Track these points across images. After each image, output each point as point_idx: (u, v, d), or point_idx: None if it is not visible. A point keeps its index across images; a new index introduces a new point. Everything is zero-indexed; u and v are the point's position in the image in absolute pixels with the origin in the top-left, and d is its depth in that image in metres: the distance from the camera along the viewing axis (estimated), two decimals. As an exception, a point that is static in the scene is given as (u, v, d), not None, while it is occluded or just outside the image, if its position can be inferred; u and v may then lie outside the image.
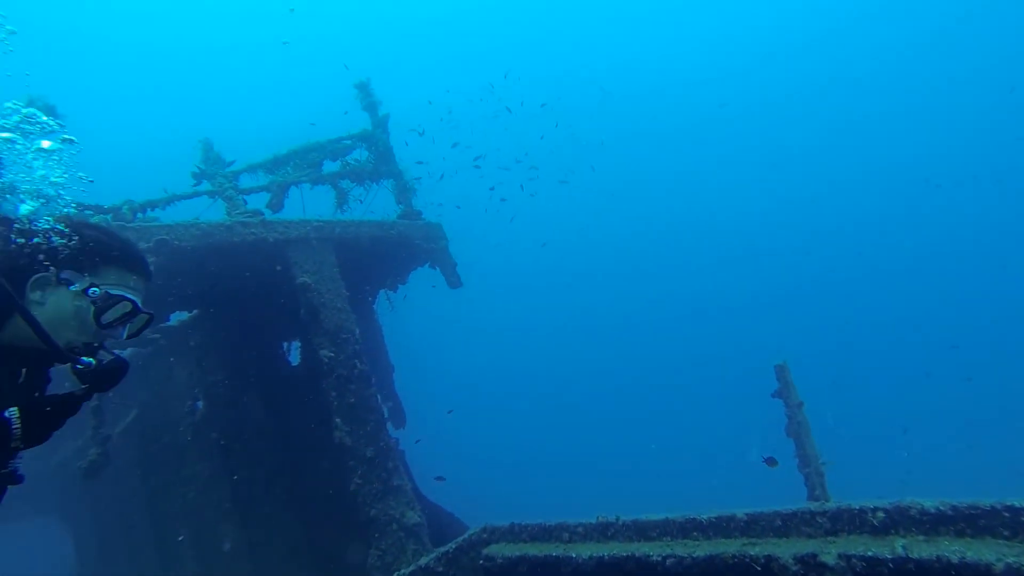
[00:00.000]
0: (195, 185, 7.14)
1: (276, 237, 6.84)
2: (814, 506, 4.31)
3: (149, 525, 10.29)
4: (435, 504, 9.41)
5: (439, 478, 9.67)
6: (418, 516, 7.19)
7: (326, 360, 6.99)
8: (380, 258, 8.42)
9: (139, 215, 6.42)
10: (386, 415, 9.85)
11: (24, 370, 2.26)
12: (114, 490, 11.36)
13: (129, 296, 2.34)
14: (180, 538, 9.48)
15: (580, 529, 5.33)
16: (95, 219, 5.77)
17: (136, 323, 2.44)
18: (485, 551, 5.83)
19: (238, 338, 8.57)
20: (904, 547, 3.94)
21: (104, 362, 2.26)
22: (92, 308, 2.24)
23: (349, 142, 8.29)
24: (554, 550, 5.36)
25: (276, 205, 7.41)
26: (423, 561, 5.45)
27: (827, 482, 6.43)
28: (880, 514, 4.08)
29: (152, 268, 2.63)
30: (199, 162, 7.37)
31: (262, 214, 6.89)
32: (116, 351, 2.40)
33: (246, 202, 7.04)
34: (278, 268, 7.01)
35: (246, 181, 7.52)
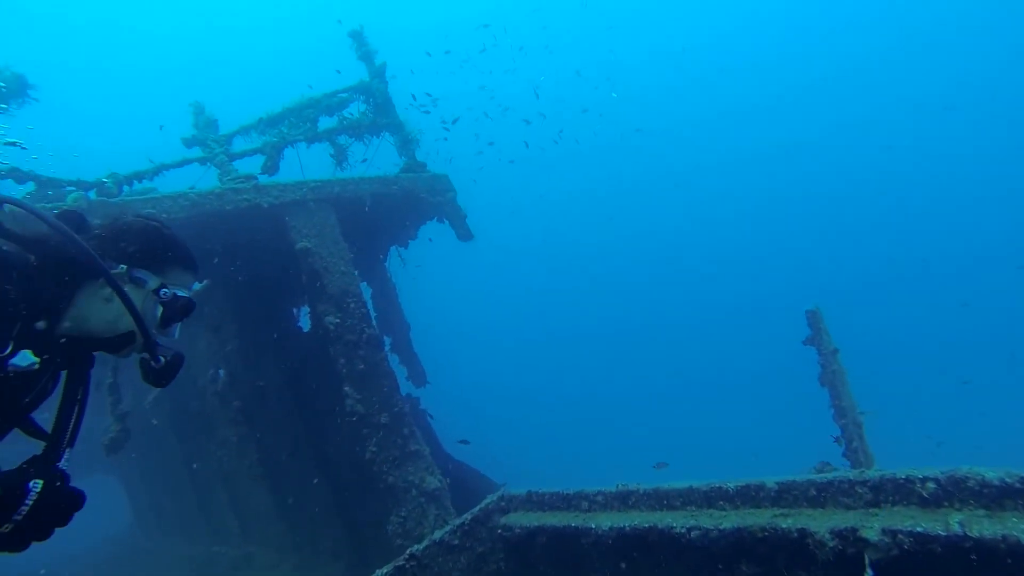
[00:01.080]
0: (187, 152, 6.70)
1: (271, 202, 6.40)
2: (853, 474, 3.83)
3: (190, 485, 10.37)
4: (463, 463, 9.21)
5: (463, 441, 9.40)
6: (438, 481, 6.93)
7: (332, 327, 6.64)
8: (385, 215, 7.95)
9: (125, 187, 6.02)
10: (405, 375, 9.60)
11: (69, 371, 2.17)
12: (156, 453, 11.50)
13: (191, 298, 2.36)
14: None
15: (600, 498, 4.96)
16: (74, 196, 5.40)
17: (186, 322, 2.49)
18: (503, 520, 5.52)
19: (250, 305, 8.28)
20: (961, 523, 3.45)
21: (169, 358, 2.24)
22: (161, 308, 2.24)
23: (346, 95, 7.70)
24: (573, 520, 5.02)
25: (271, 168, 6.94)
26: (438, 535, 5.15)
27: (867, 434, 5.93)
28: (931, 484, 3.58)
29: None
30: (192, 126, 6.91)
31: (255, 179, 6.43)
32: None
33: (236, 170, 6.56)
34: (277, 234, 6.61)
35: (239, 144, 7.04)
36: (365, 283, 9.40)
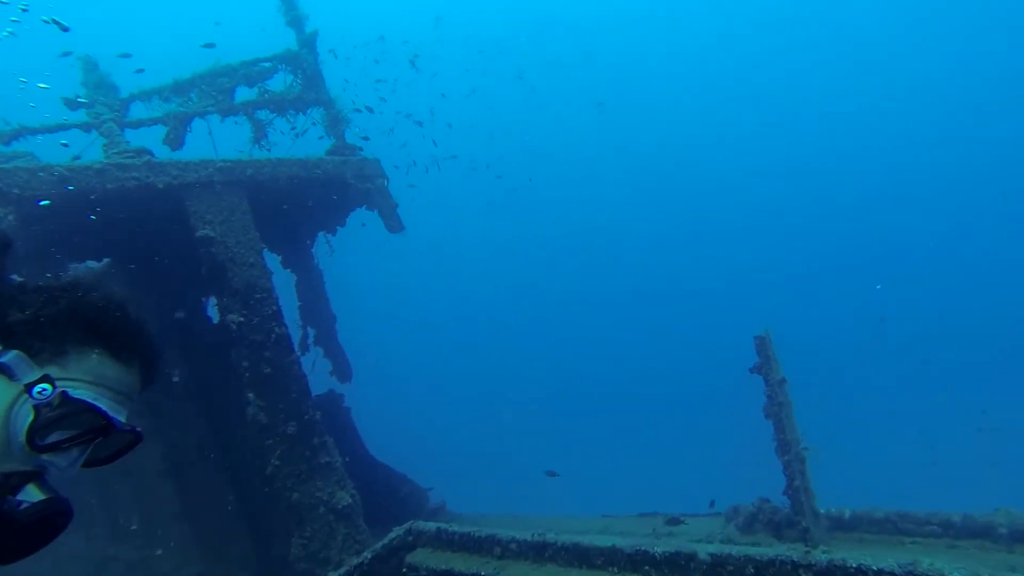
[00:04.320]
0: (71, 115, 5.67)
1: (167, 182, 5.45)
2: (797, 555, 3.27)
3: (88, 480, 9.39)
4: (388, 467, 8.49)
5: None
6: (350, 496, 6.20)
7: (234, 326, 5.78)
8: (310, 201, 7.07)
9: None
10: (329, 370, 8.80)
11: None
12: None
13: (98, 404, 1.34)
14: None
15: (514, 545, 4.30)
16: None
17: (109, 445, 1.45)
18: (409, 558, 4.84)
19: (151, 291, 7.33)
20: (915, 630, 2.93)
21: (31, 507, 1.24)
22: (31, 418, 1.26)
23: (269, 64, 6.72)
24: (483, 568, 4.36)
25: (174, 141, 5.97)
26: (330, 578, 4.47)
27: (809, 470, 5.44)
28: (885, 579, 3.05)
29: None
30: (79, 84, 5.88)
31: (149, 154, 5.48)
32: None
33: (128, 142, 5.59)
34: (176, 218, 5.69)
35: (138, 112, 6.05)
36: (289, 271, 8.52)
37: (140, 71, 6.81)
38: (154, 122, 6.02)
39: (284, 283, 8.50)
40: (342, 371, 8.69)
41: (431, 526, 4.83)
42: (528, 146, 46.31)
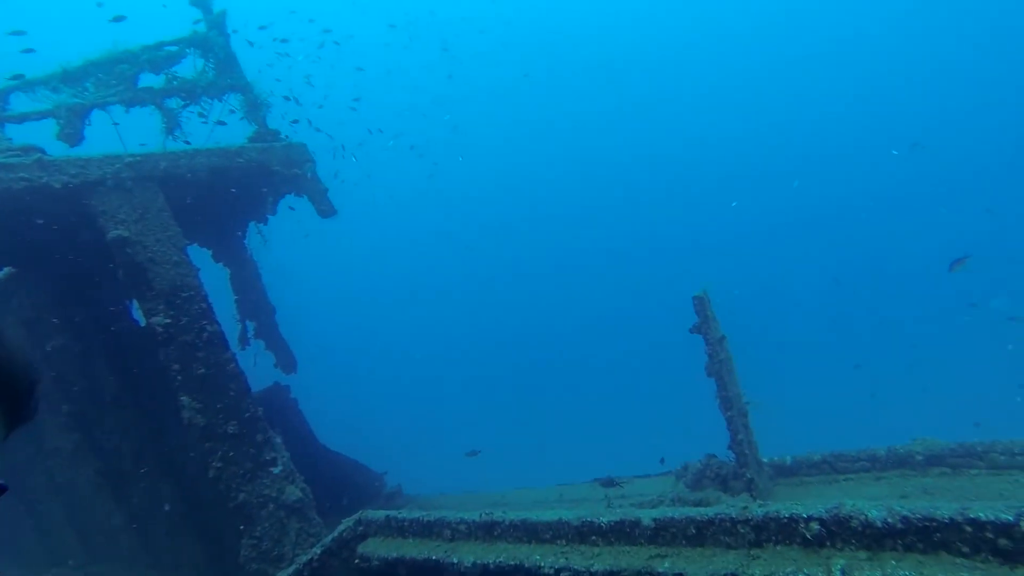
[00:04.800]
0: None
1: (66, 181, 5.10)
2: (735, 511, 3.33)
3: (18, 502, 8.93)
4: (341, 455, 8.36)
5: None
6: (300, 490, 6.06)
7: (160, 329, 5.51)
8: (231, 192, 6.76)
9: None
10: (273, 363, 8.56)
11: None
12: None
13: None
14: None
15: (463, 527, 4.28)
16: None
17: None
18: (360, 548, 4.77)
19: (70, 298, 6.93)
20: (843, 570, 3.04)
21: None
22: None
23: (175, 48, 6.33)
24: (435, 551, 4.33)
25: (71, 136, 5.55)
26: (280, 577, 4.37)
27: (753, 423, 5.58)
28: (814, 525, 3.13)
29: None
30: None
31: (39, 151, 5.10)
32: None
33: (9, 138, 5.18)
34: (82, 220, 5.34)
35: (20, 104, 5.60)
36: (222, 264, 8.19)
37: (29, 51, 6.30)
38: (41, 116, 5.58)
39: (219, 278, 8.19)
40: (286, 362, 8.47)
41: (380, 515, 4.77)
42: (452, 123, 45.52)
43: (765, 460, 5.80)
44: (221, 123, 7.02)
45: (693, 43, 49.64)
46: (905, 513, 2.78)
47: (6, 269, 6.57)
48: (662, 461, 7.50)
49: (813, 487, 5.41)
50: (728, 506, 3.33)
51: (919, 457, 5.00)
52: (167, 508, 7.15)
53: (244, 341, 8.16)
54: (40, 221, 5.16)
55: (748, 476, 5.33)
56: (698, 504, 5.47)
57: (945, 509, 2.71)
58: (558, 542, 3.80)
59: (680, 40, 49.74)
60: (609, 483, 6.19)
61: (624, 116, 51.35)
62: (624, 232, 47.92)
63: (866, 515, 2.88)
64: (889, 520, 2.82)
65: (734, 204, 39.34)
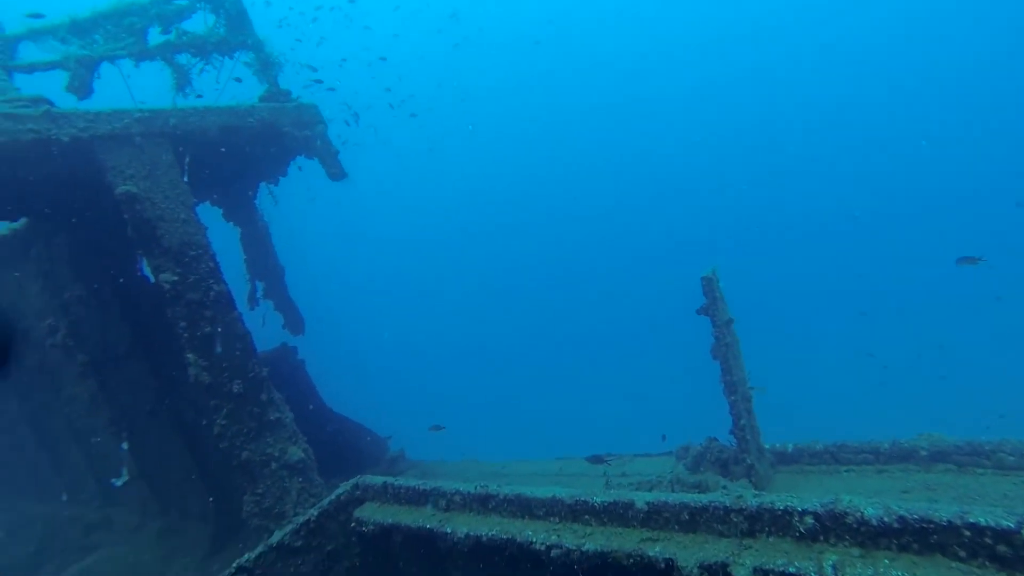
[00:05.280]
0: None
1: (75, 134, 5.04)
2: (730, 500, 3.28)
3: (39, 446, 9.16)
4: (345, 418, 8.43)
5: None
6: (302, 451, 6.12)
7: (168, 286, 5.51)
8: (246, 150, 6.69)
9: None
10: (281, 323, 8.60)
11: None
12: None
13: None
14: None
15: (458, 498, 4.29)
16: None
17: None
18: (357, 512, 4.81)
19: (84, 250, 6.96)
20: (834, 566, 2.99)
21: None
22: None
23: (185, 3, 6.21)
24: (429, 520, 4.35)
25: (80, 88, 5.48)
26: (276, 537, 4.41)
27: (757, 411, 5.51)
28: (808, 519, 3.08)
29: None
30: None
31: (48, 102, 5.04)
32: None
33: (18, 88, 5.12)
34: (92, 174, 5.31)
35: (29, 53, 5.52)
36: (233, 224, 8.18)
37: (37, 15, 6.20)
38: (50, 66, 5.50)
39: (230, 236, 8.18)
40: (294, 324, 8.50)
41: (378, 480, 4.80)
42: (463, 89, 44.80)
43: (767, 446, 5.74)
44: (237, 80, 6.93)
45: (712, 35, 48.26)
46: (902, 513, 2.71)
47: (21, 220, 6.63)
48: (663, 439, 7.47)
49: (813, 476, 5.35)
50: (723, 494, 3.28)
51: (924, 452, 4.91)
52: (178, 459, 7.29)
53: (253, 301, 8.19)
54: (48, 175, 5.13)
55: (749, 462, 5.28)
56: (696, 487, 5.44)
57: (944, 511, 2.63)
58: (551, 519, 3.79)
59: (697, 31, 48.35)
60: (598, 460, 6.19)
61: (635, 101, 50.34)
62: (639, 212, 47.40)
63: (862, 512, 2.81)
64: (885, 519, 2.75)
65: (738, 188, 38.63)
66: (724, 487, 5.20)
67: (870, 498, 2.92)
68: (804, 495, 3.06)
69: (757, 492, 3.34)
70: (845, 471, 5.36)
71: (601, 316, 38.92)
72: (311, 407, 8.02)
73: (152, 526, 7.83)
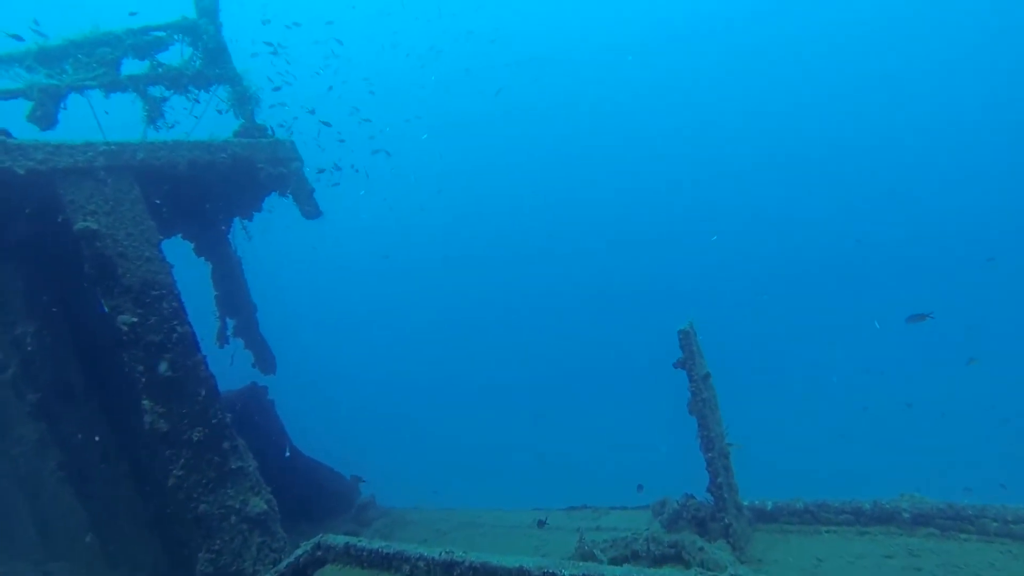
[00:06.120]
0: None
1: (31, 167, 4.80)
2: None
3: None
4: (315, 461, 8.07)
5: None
6: (265, 502, 5.77)
7: (126, 327, 5.22)
8: (219, 185, 6.47)
9: None
10: (251, 362, 8.28)
11: None
12: None
13: None
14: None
15: (422, 563, 4.01)
16: None
17: None
18: (316, 575, 4.53)
19: (39, 285, 6.63)
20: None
21: None
22: None
23: (162, 34, 6.03)
24: (392, 589, 4.09)
25: (43, 119, 5.24)
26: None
27: (733, 466, 5.32)
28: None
29: None
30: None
31: (5, 131, 4.79)
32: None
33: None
34: (49, 208, 5.05)
35: (-8, 81, 5.28)
36: (204, 258, 7.90)
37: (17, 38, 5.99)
38: (11, 95, 5.26)
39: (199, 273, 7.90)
40: (265, 362, 8.18)
41: (340, 541, 4.49)
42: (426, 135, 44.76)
43: (746, 503, 5.54)
44: (219, 112, 6.75)
45: (709, 35, 49.03)
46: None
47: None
48: (639, 488, 7.24)
49: (793, 537, 5.16)
50: (698, 573, 3.07)
51: (906, 515, 4.75)
52: (131, 509, 6.87)
53: (223, 339, 7.87)
54: (3, 205, 4.86)
55: (727, 521, 5.07)
56: (672, 546, 5.21)
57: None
58: (520, 592, 3.53)
59: (693, 34, 49.14)
60: (542, 524, 6.03)
61: (625, 117, 50.85)
62: (620, 256, 47.33)
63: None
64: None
65: (714, 238, 38.82)
66: (701, 548, 4.98)
67: (853, 563, 2.72)
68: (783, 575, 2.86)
69: (733, 572, 3.13)
70: (826, 531, 5.17)
71: (579, 359, 38.36)
72: (279, 449, 7.66)
73: (99, 579, 7.34)
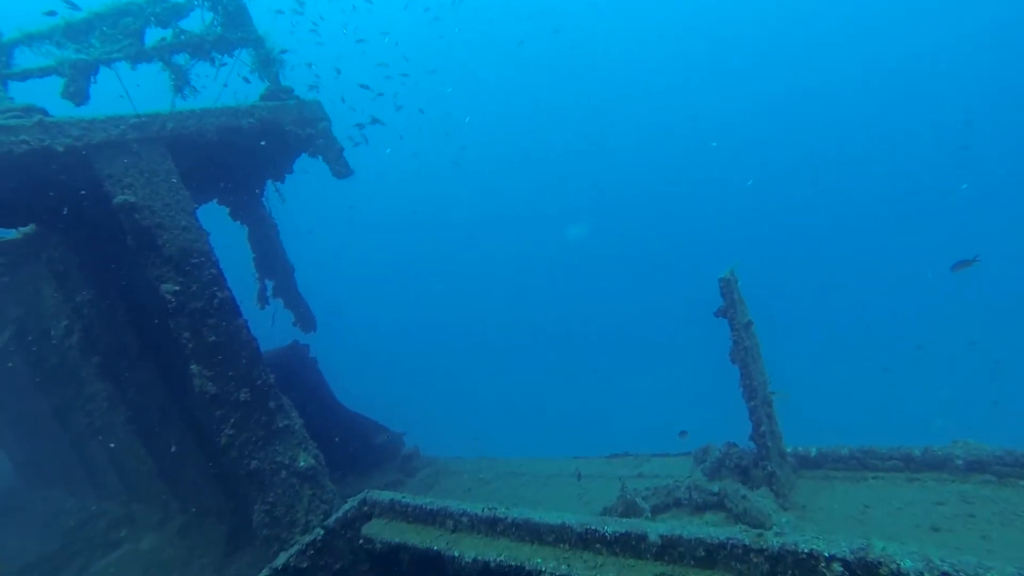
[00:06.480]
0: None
1: (69, 144, 4.85)
2: (750, 538, 3.02)
3: (64, 441, 9.21)
4: (358, 415, 8.28)
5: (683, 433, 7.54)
6: (312, 457, 5.97)
7: (171, 295, 5.34)
8: (248, 150, 6.46)
9: None
10: (292, 321, 8.44)
11: None
12: (21, 407, 10.18)
13: None
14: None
15: (466, 519, 4.09)
16: None
17: None
18: (364, 529, 4.64)
19: (91, 255, 6.83)
20: (866, 621, 2.72)
21: None
22: None
23: (183, 1, 5.94)
24: (436, 542, 4.16)
25: (76, 94, 5.27)
26: (280, 560, 4.26)
27: (778, 415, 5.21)
28: (837, 566, 2.81)
29: None
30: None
31: (41, 111, 4.84)
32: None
33: (11, 98, 4.92)
34: (90, 183, 5.12)
35: (24, 59, 5.31)
36: (240, 223, 7.99)
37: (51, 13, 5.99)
38: (45, 72, 5.28)
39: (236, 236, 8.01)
40: (305, 321, 8.34)
41: (385, 497, 4.61)
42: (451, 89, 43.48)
43: (788, 450, 5.45)
44: (246, 80, 6.69)
45: (717, 32, 46.48)
46: (945, 569, 2.42)
47: (30, 225, 6.51)
48: (683, 434, 7.20)
49: (838, 483, 5.06)
50: (742, 531, 3.02)
51: (959, 461, 4.59)
52: (193, 459, 7.22)
53: (263, 300, 8.03)
54: (46, 185, 4.96)
55: (770, 469, 5.00)
56: (715, 495, 5.19)
57: (999, 571, 2.34)
58: (561, 546, 3.56)
59: (703, 27, 46.57)
60: (580, 477, 6.05)
61: (640, 98, 48.75)
62: (659, 208, 46.17)
63: (898, 564, 2.53)
64: (924, 573, 2.47)
65: (749, 183, 37.28)
66: (744, 496, 4.94)
67: (902, 510, 2.62)
68: (831, 536, 2.79)
69: (779, 531, 3.07)
70: (873, 478, 5.05)
71: (620, 313, 37.95)
72: (323, 404, 7.88)
73: (173, 523, 7.81)
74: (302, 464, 5.82)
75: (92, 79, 5.38)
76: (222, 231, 7.10)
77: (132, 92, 5.72)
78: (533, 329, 37.70)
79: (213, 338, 5.51)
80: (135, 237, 5.23)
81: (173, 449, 7.34)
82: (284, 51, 5.72)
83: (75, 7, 5.53)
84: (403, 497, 4.50)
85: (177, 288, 5.35)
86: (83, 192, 5.37)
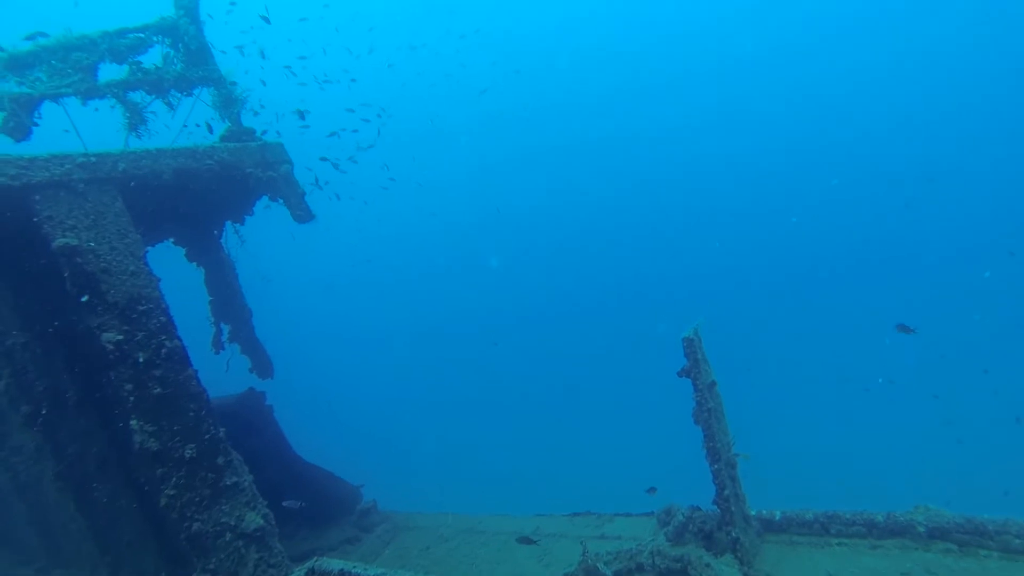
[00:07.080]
0: None
1: (4, 183, 4.55)
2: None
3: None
4: (316, 466, 7.88)
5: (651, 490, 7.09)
6: (261, 517, 5.59)
7: (111, 346, 5.00)
8: (208, 192, 6.21)
9: None
10: (248, 367, 8.08)
11: None
12: None
13: None
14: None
15: (419, 596, 3.85)
16: None
17: None
18: (311, 604, 4.35)
19: (29, 296, 6.42)
20: None
21: None
22: None
23: (141, 36, 5.72)
24: (387, 621, 3.91)
25: (16, 130, 4.97)
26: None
27: (741, 477, 5.10)
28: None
29: None
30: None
31: (-25, 150, 4.56)
32: None
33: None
34: (27, 224, 4.80)
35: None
36: (196, 264, 7.66)
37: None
38: (-16, 106, 5.00)
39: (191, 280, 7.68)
40: (262, 367, 7.98)
41: (334, 566, 4.31)
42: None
43: (753, 512, 5.33)
44: (209, 129, 6.50)
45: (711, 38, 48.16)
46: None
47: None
48: (650, 491, 7.03)
49: (803, 549, 4.94)
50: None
51: (921, 528, 4.52)
52: (130, 517, 6.72)
53: (218, 345, 7.67)
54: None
55: (734, 534, 4.86)
56: (678, 560, 5.01)
57: None
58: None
59: (695, 36, 48.29)
60: (527, 541, 5.83)
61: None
62: (623, 260, 46.41)
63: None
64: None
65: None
66: (707, 564, 4.78)
67: None
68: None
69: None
70: (837, 544, 4.95)
71: (583, 365, 37.49)
72: (278, 455, 7.49)
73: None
74: (250, 525, 5.45)
75: (36, 114, 5.10)
76: (175, 273, 6.78)
77: (83, 129, 5.45)
78: (500, 381, 37.08)
79: (158, 390, 5.16)
80: (75, 282, 4.90)
81: (105, 501, 6.84)
82: (247, 94, 5.52)
83: (43, 35, 5.28)
84: (353, 567, 4.21)
85: (120, 337, 5.01)
86: (21, 233, 5.03)
